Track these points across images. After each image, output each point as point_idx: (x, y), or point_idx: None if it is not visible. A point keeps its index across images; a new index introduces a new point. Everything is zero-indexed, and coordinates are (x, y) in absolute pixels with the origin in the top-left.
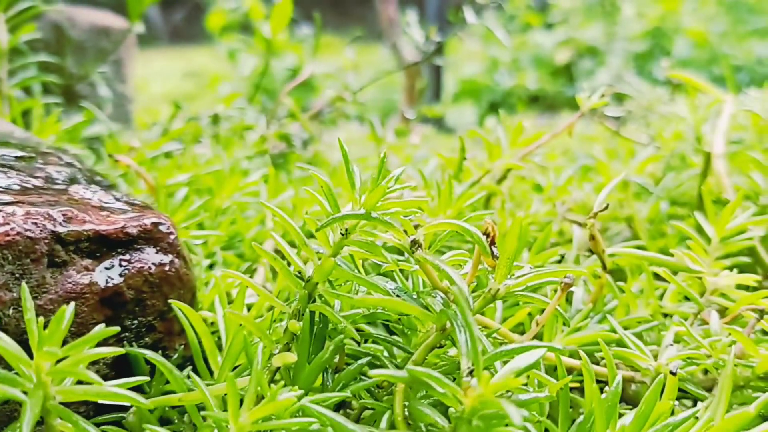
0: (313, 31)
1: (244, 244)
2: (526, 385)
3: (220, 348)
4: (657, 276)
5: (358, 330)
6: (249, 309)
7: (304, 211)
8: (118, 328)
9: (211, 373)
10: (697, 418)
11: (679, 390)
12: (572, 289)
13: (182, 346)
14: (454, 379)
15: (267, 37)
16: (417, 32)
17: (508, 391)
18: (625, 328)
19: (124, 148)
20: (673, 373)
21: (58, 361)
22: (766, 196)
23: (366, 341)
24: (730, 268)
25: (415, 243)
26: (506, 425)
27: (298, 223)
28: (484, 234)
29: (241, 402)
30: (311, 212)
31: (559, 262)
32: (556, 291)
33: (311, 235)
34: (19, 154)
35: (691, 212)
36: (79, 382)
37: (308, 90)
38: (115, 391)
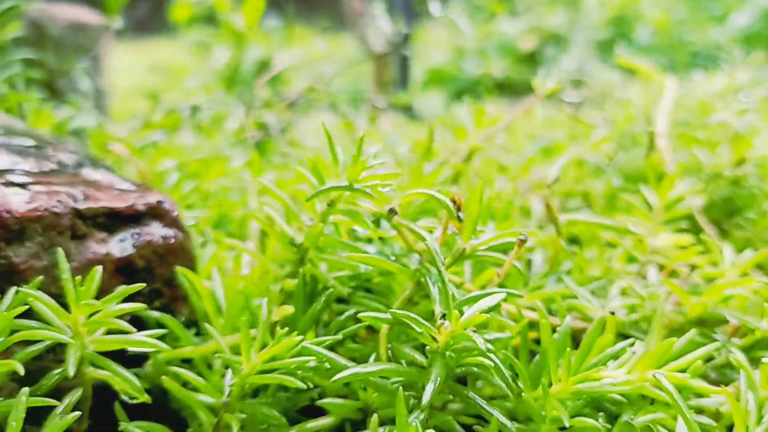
0: (281, 22)
1: (232, 224)
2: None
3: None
4: (611, 244)
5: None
6: None
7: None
8: (143, 285)
9: None
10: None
11: (624, 335)
12: (532, 256)
13: (188, 311)
14: None
15: (240, 29)
16: (385, 24)
17: (475, 332)
18: (579, 286)
19: (111, 139)
20: (613, 313)
21: (91, 316)
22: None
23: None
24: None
25: (392, 211)
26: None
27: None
28: (450, 201)
29: None
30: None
31: None
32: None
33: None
34: (32, 143)
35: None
36: (107, 335)
37: (275, 80)
38: (143, 339)
